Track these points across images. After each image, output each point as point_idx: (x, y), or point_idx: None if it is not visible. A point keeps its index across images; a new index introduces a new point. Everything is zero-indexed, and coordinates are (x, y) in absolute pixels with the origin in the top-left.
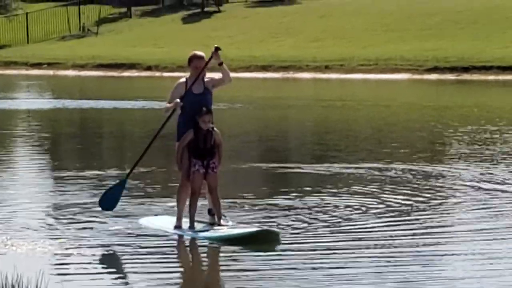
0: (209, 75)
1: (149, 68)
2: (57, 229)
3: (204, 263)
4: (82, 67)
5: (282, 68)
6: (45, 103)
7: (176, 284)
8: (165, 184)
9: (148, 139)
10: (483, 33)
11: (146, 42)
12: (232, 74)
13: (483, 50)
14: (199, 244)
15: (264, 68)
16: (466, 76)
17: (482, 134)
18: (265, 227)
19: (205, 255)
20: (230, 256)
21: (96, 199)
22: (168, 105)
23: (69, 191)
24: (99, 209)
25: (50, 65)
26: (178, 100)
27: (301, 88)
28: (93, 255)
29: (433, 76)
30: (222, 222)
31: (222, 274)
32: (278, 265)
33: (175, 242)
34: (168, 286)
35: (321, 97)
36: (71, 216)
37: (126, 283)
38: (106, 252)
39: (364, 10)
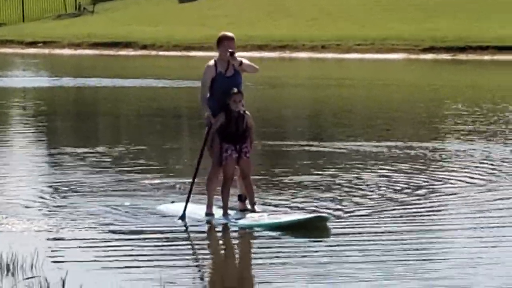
0: (238, 57)
1: (144, 47)
2: (53, 207)
3: (246, 251)
4: (78, 45)
5: (279, 48)
6: (43, 81)
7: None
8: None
9: (146, 117)
10: (480, 14)
11: (142, 21)
12: None
13: (479, 31)
14: (232, 230)
15: (261, 48)
16: (462, 56)
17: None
18: (315, 213)
19: (244, 242)
20: (273, 245)
21: (93, 177)
22: (204, 111)
23: (65, 169)
24: (96, 187)
25: (45, 43)
26: (210, 116)
27: (297, 67)
28: (90, 234)
29: (429, 56)
30: (256, 208)
31: (262, 262)
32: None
33: (205, 228)
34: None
35: (328, 77)
36: (67, 195)
37: (127, 266)
38: (104, 232)
39: None
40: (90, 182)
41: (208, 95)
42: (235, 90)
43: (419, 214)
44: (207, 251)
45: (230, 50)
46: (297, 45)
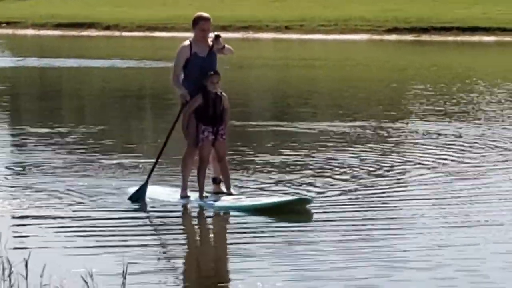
0: (211, 35)
1: (108, 28)
2: (15, 188)
3: (224, 235)
4: (41, 26)
5: (242, 28)
6: (6, 61)
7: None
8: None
9: (107, 98)
10: None
11: (105, 2)
12: (191, 34)
13: (443, 11)
14: (207, 214)
15: (224, 28)
16: (425, 37)
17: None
18: (297, 196)
19: (220, 225)
20: (251, 228)
21: (57, 157)
22: (178, 90)
23: (29, 150)
24: (59, 167)
25: (9, 24)
26: (187, 93)
27: (261, 48)
28: (53, 214)
29: (393, 37)
30: (232, 191)
31: (239, 248)
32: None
33: (179, 212)
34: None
35: (292, 57)
36: (30, 175)
37: (91, 246)
38: (67, 212)
39: None
40: (54, 162)
41: (182, 76)
42: (212, 72)
43: (386, 195)
44: (181, 235)
45: (216, 33)
46: (260, 25)
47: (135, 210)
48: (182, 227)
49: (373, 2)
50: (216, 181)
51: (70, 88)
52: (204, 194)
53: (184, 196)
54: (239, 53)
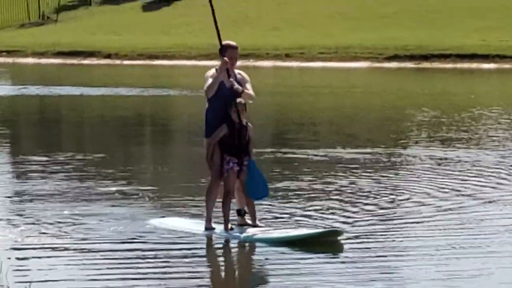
0: (238, 71)
1: (108, 56)
2: (16, 216)
3: (249, 268)
4: (41, 54)
5: (242, 56)
6: (6, 89)
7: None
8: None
9: (109, 125)
10: (442, 22)
11: (106, 30)
12: (192, 62)
13: (441, 39)
14: (232, 245)
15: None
16: (425, 64)
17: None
18: (328, 227)
19: (247, 258)
20: (284, 260)
21: (56, 185)
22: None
23: (28, 178)
24: (60, 195)
25: (9, 52)
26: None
27: (262, 75)
28: (54, 242)
29: (393, 64)
30: (258, 223)
31: (266, 280)
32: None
33: (203, 243)
34: None
35: (292, 84)
36: (30, 204)
37: (94, 275)
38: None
39: None
40: (54, 190)
41: (207, 104)
42: (238, 100)
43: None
44: (205, 268)
45: (235, 87)
46: (260, 53)
47: (151, 242)
48: (205, 259)
49: (372, 30)
50: (240, 213)
51: (70, 116)
52: (230, 226)
53: (209, 228)
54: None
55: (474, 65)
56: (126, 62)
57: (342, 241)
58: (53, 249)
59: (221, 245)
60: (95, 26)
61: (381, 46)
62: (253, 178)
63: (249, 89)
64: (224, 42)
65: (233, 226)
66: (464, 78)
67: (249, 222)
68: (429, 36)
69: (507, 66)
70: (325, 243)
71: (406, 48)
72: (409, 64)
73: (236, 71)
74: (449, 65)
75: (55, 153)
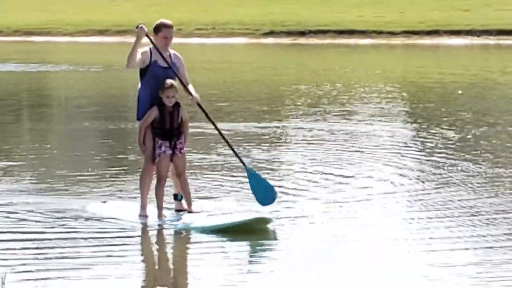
0: (173, 51)
1: None
2: None
3: (187, 255)
4: None
5: (120, 32)
6: None
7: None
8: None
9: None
10: None
11: None
12: (70, 39)
13: (320, 15)
14: (167, 233)
15: (101, 32)
16: (302, 40)
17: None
18: (256, 215)
19: (179, 246)
20: (215, 247)
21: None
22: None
23: None
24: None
25: None
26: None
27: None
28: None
29: (270, 40)
30: (193, 208)
31: (199, 269)
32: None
33: (138, 231)
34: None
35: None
36: None
37: (48, 269)
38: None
39: None
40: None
41: (140, 84)
42: (169, 83)
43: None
44: (138, 257)
45: (197, 101)
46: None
47: (83, 231)
48: (139, 247)
49: (250, 6)
50: (177, 197)
51: None
52: (162, 213)
53: (143, 215)
54: (117, 57)
55: (352, 41)
56: (2, 38)
57: (272, 228)
58: (27, 248)
59: (153, 233)
60: None
61: (259, 22)
62: (258, 185)
63: (186, 75)
64: (158, 21)
65: (166, 213)
66: (341, 53)
67: (186, 207)
68: (307, 12)
69: (383, 41)
70: (257, 230)
71: (283, 24)
72: (286, 40)
73: (171, 51)
74: (327, 41)
75: None
